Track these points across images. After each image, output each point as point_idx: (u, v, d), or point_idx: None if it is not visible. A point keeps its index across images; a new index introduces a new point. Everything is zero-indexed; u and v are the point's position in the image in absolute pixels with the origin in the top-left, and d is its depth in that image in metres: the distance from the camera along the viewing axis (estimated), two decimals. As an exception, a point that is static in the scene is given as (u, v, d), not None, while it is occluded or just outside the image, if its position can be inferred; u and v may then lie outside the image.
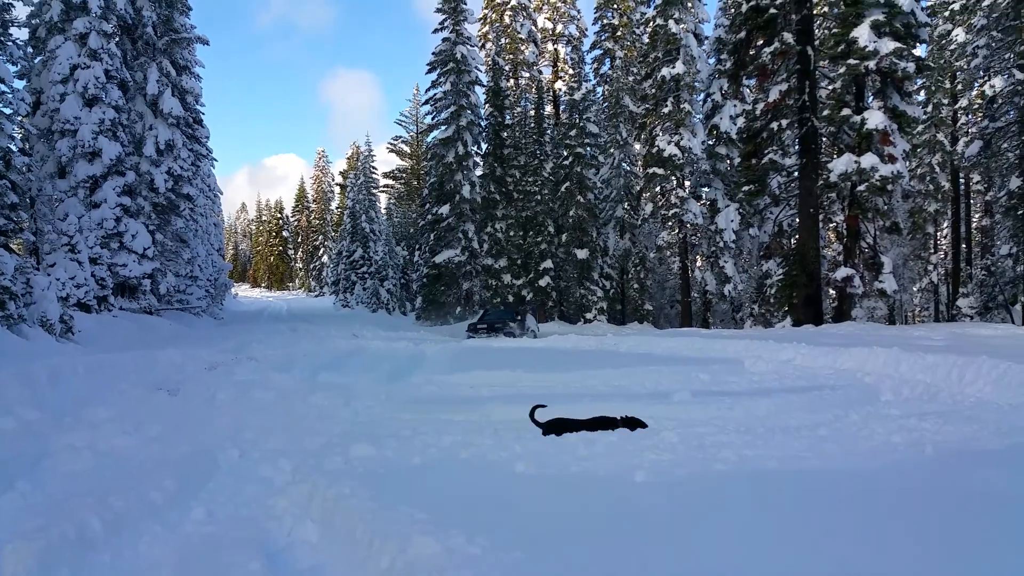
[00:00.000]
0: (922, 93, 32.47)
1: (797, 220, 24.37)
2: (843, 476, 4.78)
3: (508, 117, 38.99)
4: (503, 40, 48.13)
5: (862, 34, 20.89)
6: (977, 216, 39.23)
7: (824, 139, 23.97)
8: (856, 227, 22.95)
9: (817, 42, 24.14)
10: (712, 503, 4.23)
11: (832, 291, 24.83)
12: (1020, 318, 27.72)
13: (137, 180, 24.10)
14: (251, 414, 7.98)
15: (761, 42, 23.91)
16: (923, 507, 4.06)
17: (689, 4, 33.41)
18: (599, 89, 44.73)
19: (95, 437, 6.43)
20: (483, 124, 39.05)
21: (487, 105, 38.45)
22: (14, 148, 17.19)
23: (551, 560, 3.40)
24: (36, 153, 21.69)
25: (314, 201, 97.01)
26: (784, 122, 23.56)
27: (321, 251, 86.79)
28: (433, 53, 39.73)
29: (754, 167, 24.66)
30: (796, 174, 23.77)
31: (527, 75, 48.36)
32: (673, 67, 32.14)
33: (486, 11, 49.00)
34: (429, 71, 40.12)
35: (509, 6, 48.39)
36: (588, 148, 37.07)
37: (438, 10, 39.47)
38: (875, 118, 21.09)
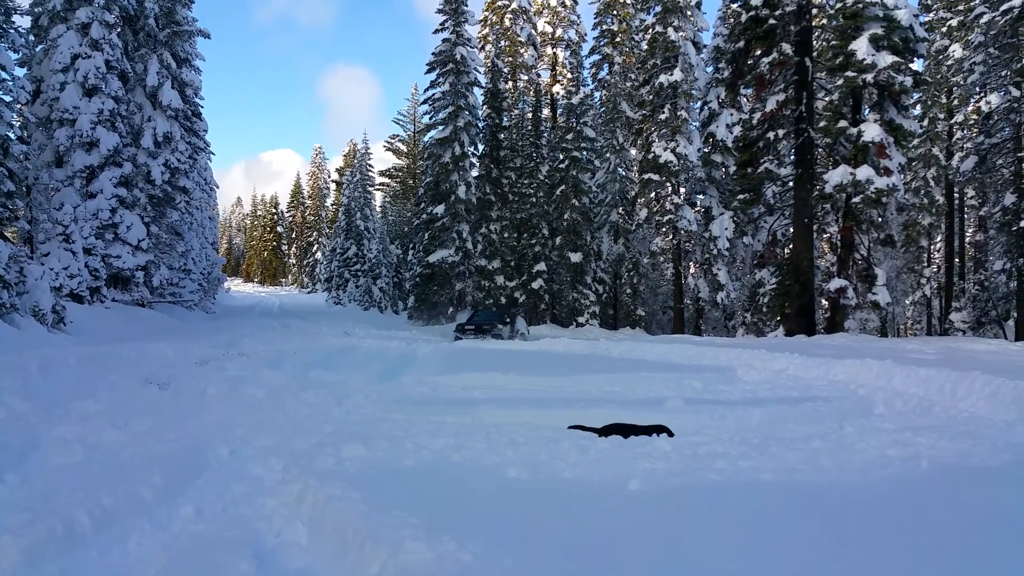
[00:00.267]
0: (919, 107, 32.55)
1: (791, 230, 24.41)
2: (839, 489, 4.77)
3: (505, 119, 38.95)
4: (503, 42, 48.23)
5: (860, 47, 20.95)
6: (971, 231, 39.36)
7: (820, 150, 24.04)
8: (850, 239, 23.01)
9: (815, 54, 24.19)
10: (707, 514, 4.21)
11: (825, 302, 24.83)
12: (1013, 334, 27.83)
13: (134, 171, 24.02)
14: (242, 411, 7.93)
15: (760, 52, 23.94)
16: (922, 523, 4.06)
17: (688, 12, 33.54)
18: (597, 94, 44.73)
19: (85, 430, 6.38)
20: (480, 125, 39.03)
21: (485, 107, 38.43)
22: (12, 136, 17.13)
23: (543, 569, 3.38)
24: (34, 141, 21.59)
25: (309, 197, 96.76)
26: (780, 132, 23.59)
27: (315, 247, 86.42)
28: (433, 53, 39.75)
29: (749, 176, 24.69)
30: (791, 184, 23.81)
31: (525, 78, 48.44)
32: (671, 74, 32.23)
33: (486, 13, 49.08)
34: (428, 71, 40.15)
35: (510, 9, 48.46)
36: (584, 152, 37.06)
37: (439, 11, 39.50)
38: (872, 131, 21.15)
